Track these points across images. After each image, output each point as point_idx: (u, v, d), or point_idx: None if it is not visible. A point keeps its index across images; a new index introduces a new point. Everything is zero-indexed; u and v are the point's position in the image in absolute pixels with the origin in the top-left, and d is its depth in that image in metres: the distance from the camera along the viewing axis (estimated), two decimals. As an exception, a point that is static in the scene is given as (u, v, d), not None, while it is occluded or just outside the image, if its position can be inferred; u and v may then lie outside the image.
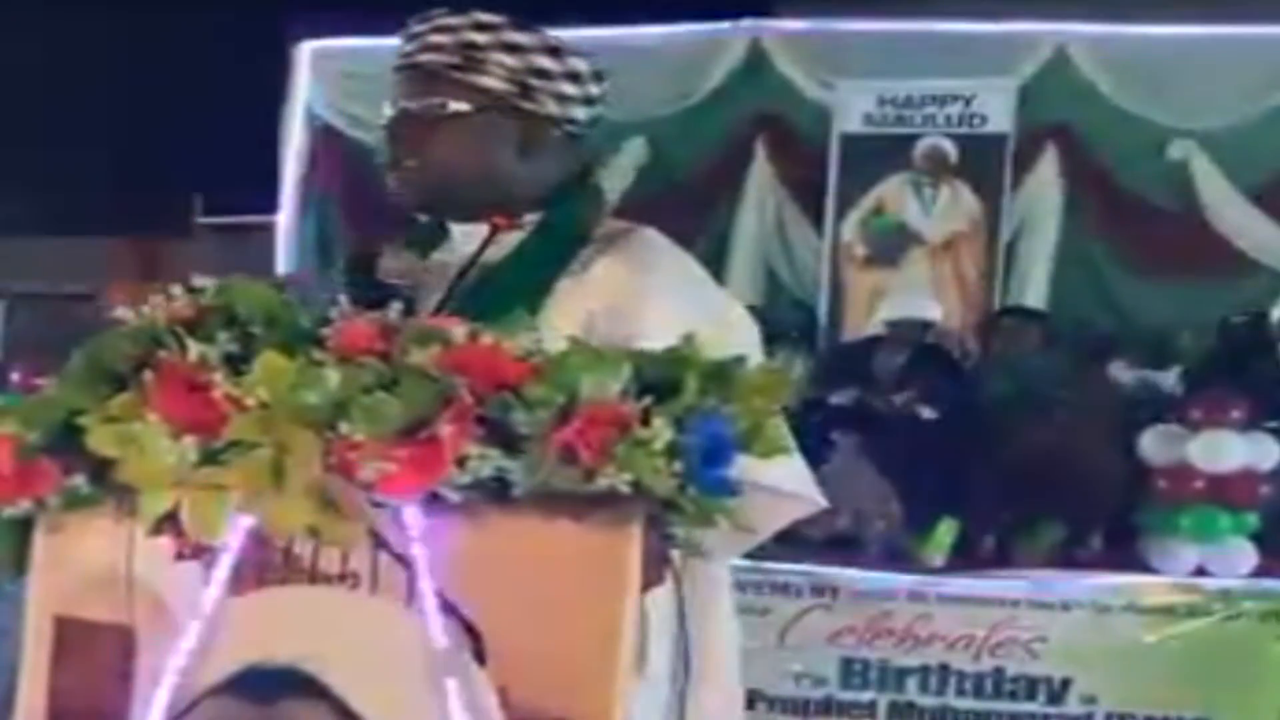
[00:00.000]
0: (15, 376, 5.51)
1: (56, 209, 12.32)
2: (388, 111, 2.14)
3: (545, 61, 2.11)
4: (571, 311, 1.96)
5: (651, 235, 2.16)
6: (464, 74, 2.09)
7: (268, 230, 9.31)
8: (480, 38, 2.10)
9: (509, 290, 2.00)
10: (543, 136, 2.13)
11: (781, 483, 2.01)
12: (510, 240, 2.11)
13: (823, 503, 2.10)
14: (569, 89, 2.13)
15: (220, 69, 10.46)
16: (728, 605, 2.16)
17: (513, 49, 2.10)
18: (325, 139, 9.08)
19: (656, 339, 1.77)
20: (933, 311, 7.59)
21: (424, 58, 2.10)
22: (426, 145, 2.10)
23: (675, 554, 1.78)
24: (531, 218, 2.13)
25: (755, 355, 1.95)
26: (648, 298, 2.01)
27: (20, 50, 11.59)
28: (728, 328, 2.03)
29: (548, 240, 2.11)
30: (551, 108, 2.12)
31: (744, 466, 1.79)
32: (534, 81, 2.11)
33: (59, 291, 11.71)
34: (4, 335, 11.68)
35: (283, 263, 9.00)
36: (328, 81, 9.05)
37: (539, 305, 1.99)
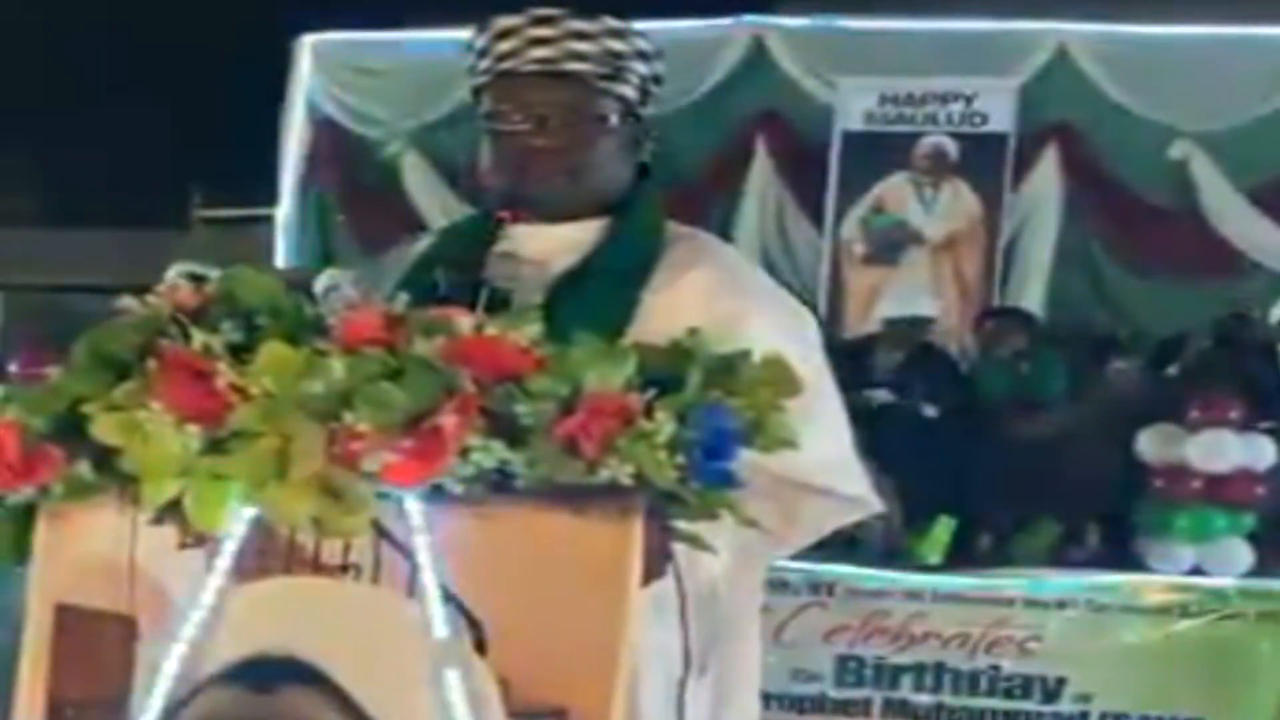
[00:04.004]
0: (13, 368, 5.52)
1: (55, 202, 12.32)
2: (494, 109, 2.11)
3: (659, 68, 2.17)
4: (663, 320, 1.94)
5: (727, 245, 2.24)
6: (610, 83, 2.12)
7: (267, 223, 9.33)
8: (620, 46, 2.12)
9: (603, 299, 2.03)
10: (638, 141, 2.17)
11: (838, 484, 2.06)
12: (574, 239, 2.12)
13: (878, 507, 2.13)
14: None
15: (221, 61, 10.47)
16: (757, 614, 2.18)
17: (643, 57, 2.14)
18: (325, 132, 9.08)
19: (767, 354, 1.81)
20: (929, 309, 7.59)
21: (571, 65, 2.10)
22: (577, 154, 2.11)
23: (709, 555, 1.80)
24: (599, 221, 2.14)
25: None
26: (746, 315, 2.03)
27: (19, 44, 11.59)
28: (804, 333, 2.12)
29: (634, 246, 2.13)
30: (648, 111, 2.18)
31: (800, 468, 1.88)
32: (652, 88, 2.16)
33: (58, 284, 11.72)
34: (2, 328, 11.68)
35: (282, 256, 9.01)
36: (329, 74, 9.05)
37: (630, 315, 2.02)
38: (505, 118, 2.11)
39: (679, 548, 1.77)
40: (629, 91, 2.13)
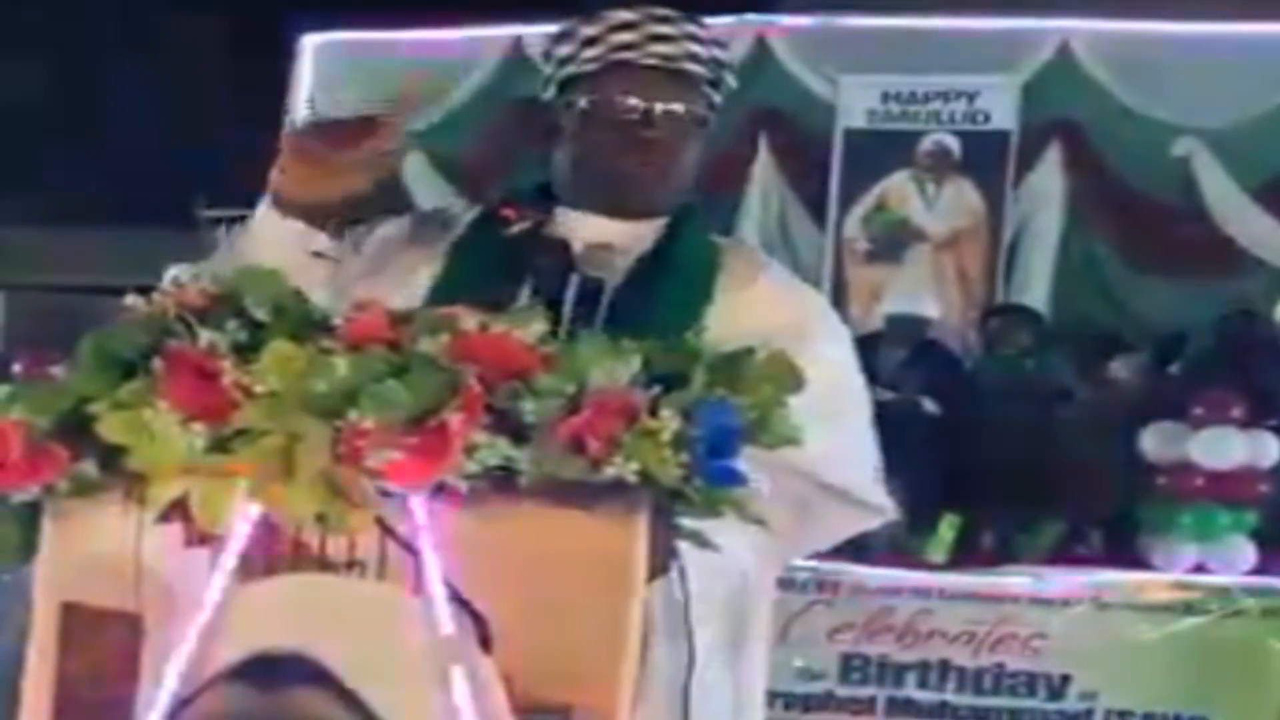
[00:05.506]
0: (17, 368, 5.52)
1: (58, 202, 12.33)
2: (603, 97, 2.12)
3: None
4: (733, 323, 1.96)
5: (775, 261, 2.29)
6: (709, 88, 2.16)
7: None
8: (721, 54, 2.17)
9: (681, 289, 2.08)
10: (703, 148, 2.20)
11: (864, 492, 2.11)
12: (643, 234, 2.15)
13: (894, 514, 2.17)
14: None
15: (224, 61, 10.48)
16: (770, 615, 2.20)
17: (731, 69, 2.19)
18: (327, 132, 9.07)
19: (823, 366, 1.88)
20: (929, 309, 7.61)
21: (688, 65, 2.13)
22: (674, 152, 2.14)
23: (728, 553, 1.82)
24: (662, 220, 2.17)
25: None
26: (810, 326, 2.09)
27: (23, 45, 11.60)
28: (850, 344, 2.19)
29: (699, 247, 2.16)
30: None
31: (833, 473, 1.98)
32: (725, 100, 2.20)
33: (61, 284, 11.72)
34: (5, 327, 11.69)
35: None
36: (330, 74, 9.06)
37: (704, 310, 2.05)
38: (617, 108, 2.12)
39: (718, 554, 1.77)
40: (719, 99, 2.17)
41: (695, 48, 2.13)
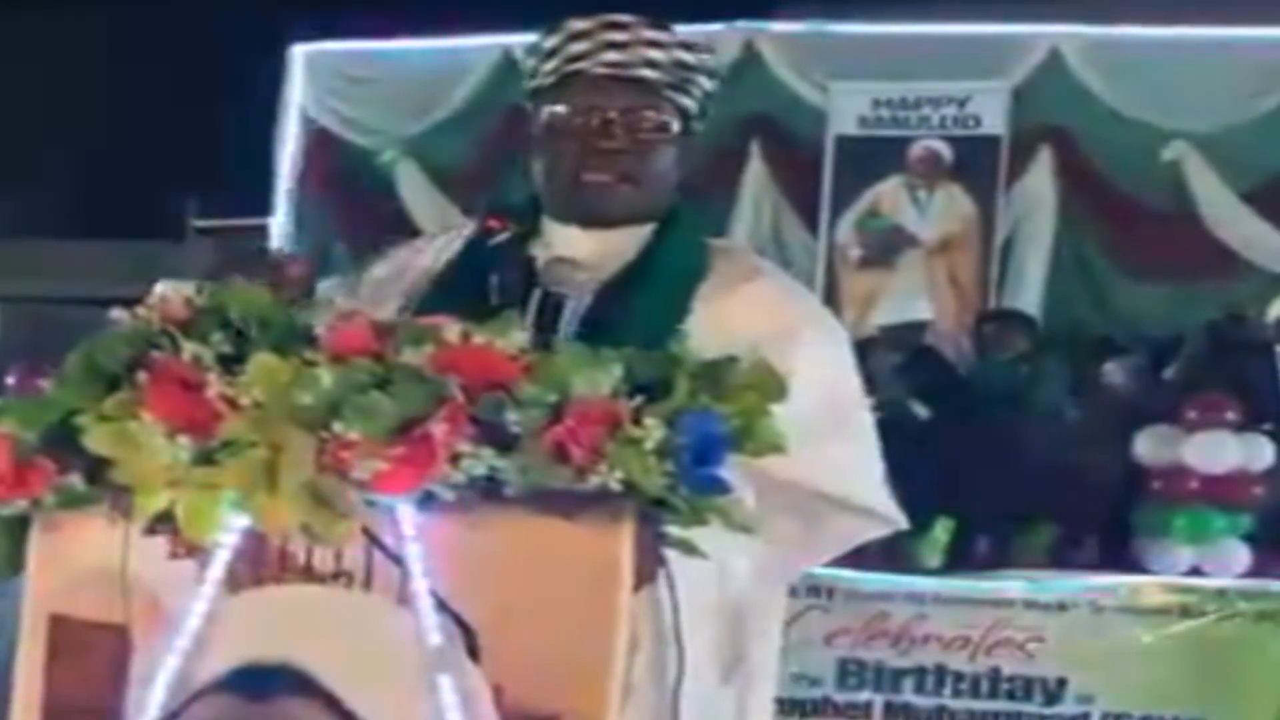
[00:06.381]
0: (10, 379, 5.52)
1: (51, 212, 12.33)
2: (560, 109, 2.11)
3: (718, 87, 2.18)
4: (715, 330, 1.94)
5: (768, 261, 2.29)
6: (675, 93, 2.13)
7: (262, 233, 9.34)
8: (688, 57, 2.14)
9: (656, 305, 2.06)
10: (687, 154, 2.18)
11: (871, 501, 2.10)
12: (622, 245, 2.14)
13: (904, 524, 2.14)
14: None
15: (215, 72, 10.48)
16: (779, 625, 2.19)
17: (709, 74, 2.16)
18: (319, 141, 9.11)
19: (818, 372, 1.90)
20: (924, 311, 7.61)
21: (643, 72, 2.11)
22: (638, 159, 2.12)
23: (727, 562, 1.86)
24: (646, 228, 2.15)
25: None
26: (798, 331, 2.07)
27: (17, 54, 11.60)
28: (845, 351, 2.16)
29: (683, 255, 2.15)
30: (699, 128, 2.19)
31: (835, 483, 1.99)
32: (709, 106, 2.17)
33: (53, 295, 11.72)
34: (1, 340, 11.67)
35: (277, 266, 9.01)
36: (322, 84, 9.08)
37: (681, 322, 2.03)
38: (571, 118, 2.11)
39: (711, 563, 1.78)
40: (691, 104, 2.14)
41: (652, 53, 2.11)
